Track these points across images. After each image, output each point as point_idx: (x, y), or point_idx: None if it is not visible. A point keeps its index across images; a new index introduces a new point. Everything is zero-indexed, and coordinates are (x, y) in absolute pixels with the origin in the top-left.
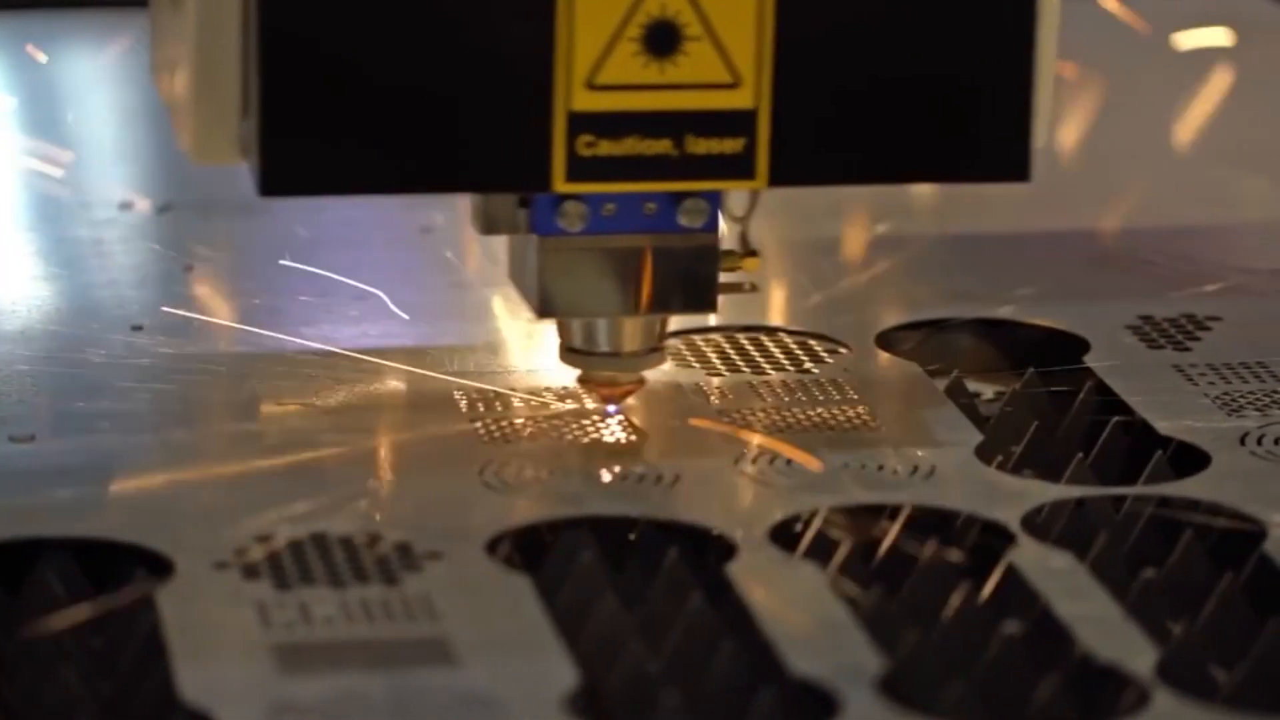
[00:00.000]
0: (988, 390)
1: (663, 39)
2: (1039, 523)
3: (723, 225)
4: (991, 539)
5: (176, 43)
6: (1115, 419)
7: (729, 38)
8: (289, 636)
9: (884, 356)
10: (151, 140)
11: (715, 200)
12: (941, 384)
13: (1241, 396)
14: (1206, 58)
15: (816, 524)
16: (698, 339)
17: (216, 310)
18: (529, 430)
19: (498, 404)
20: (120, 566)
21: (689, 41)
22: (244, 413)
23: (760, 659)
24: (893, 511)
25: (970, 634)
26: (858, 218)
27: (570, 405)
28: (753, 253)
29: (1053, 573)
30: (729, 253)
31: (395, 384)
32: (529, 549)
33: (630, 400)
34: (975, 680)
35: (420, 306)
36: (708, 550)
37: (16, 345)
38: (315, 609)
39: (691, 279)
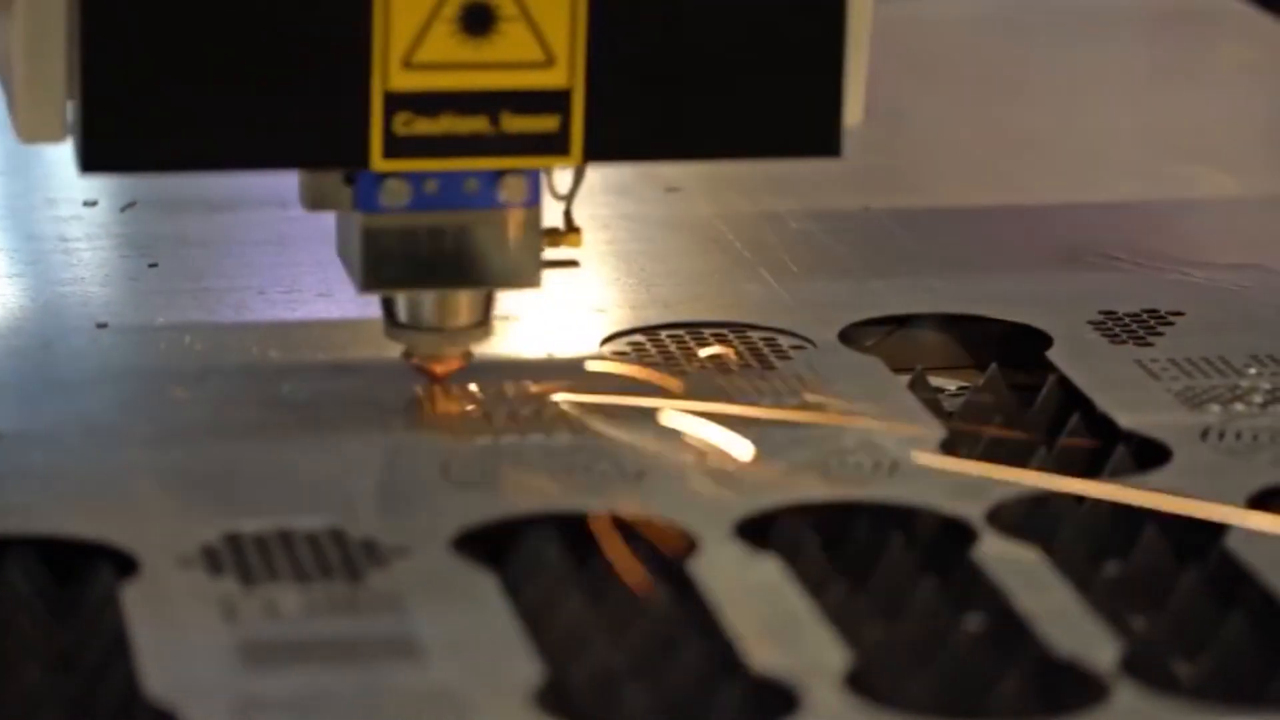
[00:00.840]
0: (951, 385)
1: (478, 19)
2: (1001, 517)
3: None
4: (954, 533)
5: (8, 26)
6: (1077, 413)
7: (543, 18)
8: (254, 633)
9: (847, 352)
10: None
11: (535, 177)
12: (905, 379)
13: (1204, 391)
14: (1174, 52)
15: (781, 520)
16: (662, 334)
17: (181, 307)
18: (495, 425)
19: (465, 399)
20: (85, 563)
21: (504, 21)
22: (208, 409)
23: (724, 655)
24: (857, 507)
25: (934, 629)
26: (819, 212)
27: (535, 397)
28: (575, 229)
29: (1016, 567)
30: (551, 230)
31: (360, 380)
32: (494, 545)
33: (585, 397)
34: (939, 675)
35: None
36: (673, 546)
37: None
38: (281, 605)
39: (513, 255)
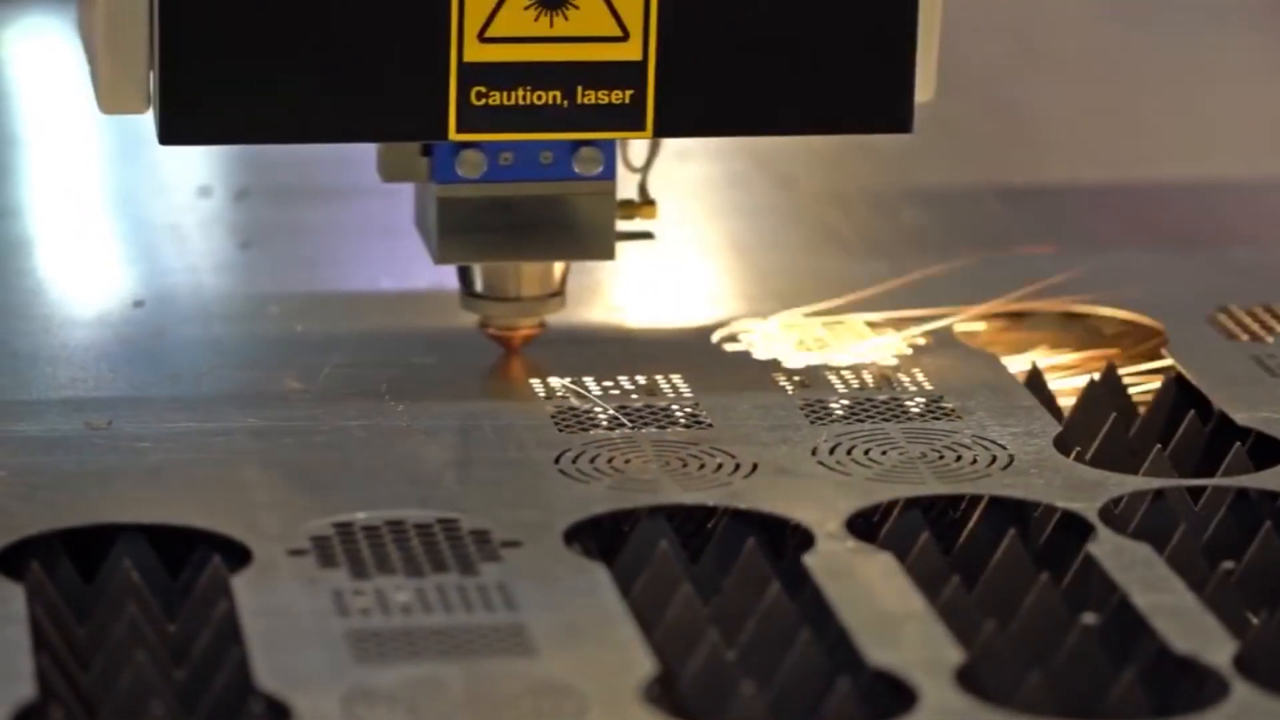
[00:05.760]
0: (1066, 380)
1: None
2: (1117, 514)
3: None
4: (1069, 530)
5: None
6: (1192, 410)
7: None
8: (365, 624)
9: (962, 346)
10: None
11: (610, 149)
12: (1020, 374)
13: None
14: None
15: (894, 514)
16: (776, 326)
17: (293, 296)
18: (605, 418)
19: (575, 393)
20: (196, 553)
21: None
22: (320, 398)
23: (837, 650)
24: (970, 502)
25: (1048, 625)
26: (933, 203)
27: (646, 390)
28: (650, 201)
29: (1131, 564)
30: (626, 201)
31: (471, 373)
32: (606, 538)
33: (708, 387)
34: (1053, 672)
35: None
36: (785, 540)
37: (93, 330)
38: (392, 596)
39: (587, 226)
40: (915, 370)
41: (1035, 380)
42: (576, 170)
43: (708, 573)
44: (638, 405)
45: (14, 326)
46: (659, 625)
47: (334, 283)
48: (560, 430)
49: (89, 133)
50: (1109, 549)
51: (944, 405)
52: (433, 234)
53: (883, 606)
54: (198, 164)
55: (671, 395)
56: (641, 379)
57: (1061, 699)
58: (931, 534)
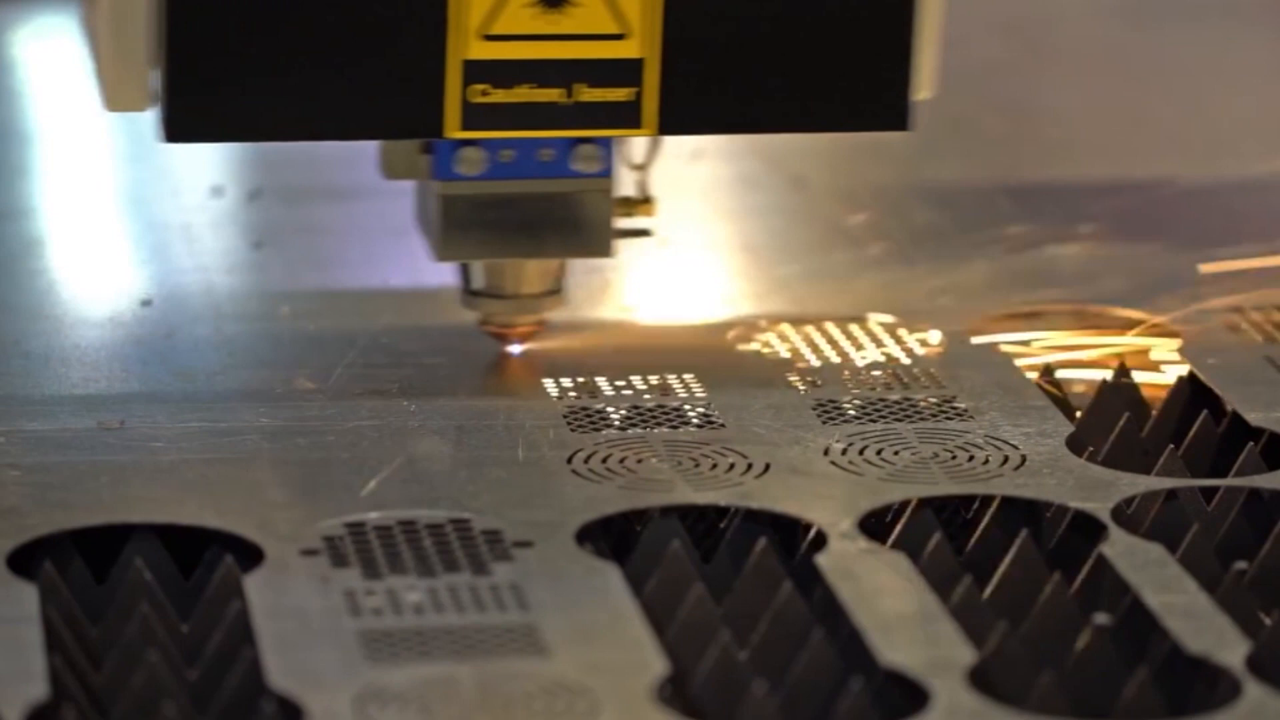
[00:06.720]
0: (1079, 380)
1: None
2: (1129, 514)
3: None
4: (1082, 530)
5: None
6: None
7: None
8: (377, 624)
9: (976, 346)
10: None
11: (609, 147)
12: (1033, 374)
13: None
14: None
15: (906, 514)
16: (788, 327)
17: (305, 296)
18: (618, 418)
19: (587, 392)
20: (209, 552)
21: None
22: (332, 398)
23: (849, 650)
24: (983, 502)
25: (1060, 626)
26: (944, 202)
27: (658, 391)
28: (648, 199)
29: (1143, 564)
30: (625, 199)
31: (483, 372)
32: (618, 538)
33: (718, 387)
34: (1065, 672)
35: None
36: (797, 540)
37: (105, 331)
38: (404, 596)
39: (586, 224)
40: (928, 370)
41: (1048, 379)
42: (575, 168)
43: (720, 573)
44: (650, 405)
45: (26, 326)
46: (671, 625)
47: (346, 282)
48: (573, 430)
49: (101, 132)
50: (1121, 549)
51: (956, 405)
52: (434, 232)
53: (895, 607)
54: (210, 164)
55: (684, 395)
56: (654, 379)
57: (1074, 699)
58: (944, 534)
